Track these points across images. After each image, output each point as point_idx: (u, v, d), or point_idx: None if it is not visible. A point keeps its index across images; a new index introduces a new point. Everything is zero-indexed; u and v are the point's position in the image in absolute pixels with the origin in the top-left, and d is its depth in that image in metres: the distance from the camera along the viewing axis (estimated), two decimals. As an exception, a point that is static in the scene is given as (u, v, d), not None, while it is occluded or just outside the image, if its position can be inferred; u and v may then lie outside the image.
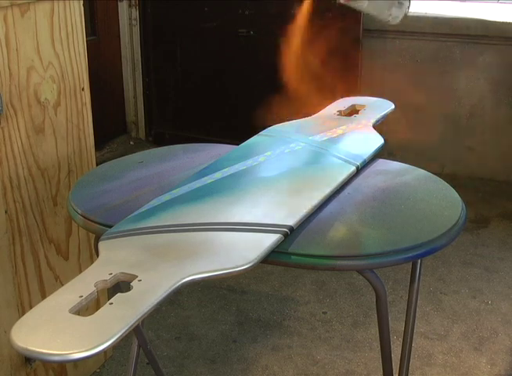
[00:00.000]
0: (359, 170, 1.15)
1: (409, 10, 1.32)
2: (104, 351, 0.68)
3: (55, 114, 1.50)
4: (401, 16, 1.29)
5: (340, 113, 1.42)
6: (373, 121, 1.36)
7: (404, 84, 3.07)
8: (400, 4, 1.30)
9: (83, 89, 1.57)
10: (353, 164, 1.15)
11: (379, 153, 1.24)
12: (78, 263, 1.65)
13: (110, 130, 3.39)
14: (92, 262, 0.84)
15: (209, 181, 1.10)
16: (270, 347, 1.91)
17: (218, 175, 1.12)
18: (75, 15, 1.51)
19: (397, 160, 1.22)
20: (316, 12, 2.91)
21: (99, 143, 2.90)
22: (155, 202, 1.02)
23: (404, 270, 2.19)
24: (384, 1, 1.28)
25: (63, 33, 1.48)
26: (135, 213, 0.98)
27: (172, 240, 0.90)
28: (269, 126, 1.36)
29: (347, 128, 1.33)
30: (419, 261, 1.09)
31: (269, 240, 0.88)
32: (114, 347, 1.80)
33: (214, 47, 3.15)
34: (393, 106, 1.46)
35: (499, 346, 1.91)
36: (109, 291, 0.83)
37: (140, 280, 0.78)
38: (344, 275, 2.26)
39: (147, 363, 1.76)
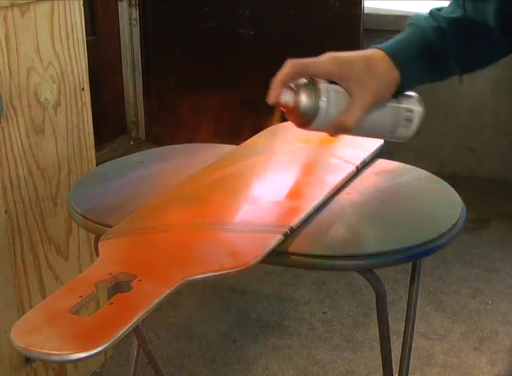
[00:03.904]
0: (359, 170, 1.15)
1: (420, 122, 0.94)
2: (104, 351, 0.68)
3: (55, 114, 1.50)
4: (411, 134, 0.95)
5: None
6: (373, 121, 1.36)
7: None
8: (407, 121, 0.92)
9: (83, 89, 1.57)
10: (353, 164, 1.15)
11: (379, 153, 1.24)
12: (78, 263, 1.65)
13: (110, 130, 3.38)
14: (92, 262, 0.84)
15: (209, 181, 1.10)
16: (270, 347, 1.91)
17: (218, 175, 1.12)
18: (75, 15, 1.51)
19: (397, 161, 1.22)
20: (317, 12, 2.91)
21: (99, 143, 2.90)
22: (155, 202, 1.02)
23: (404, 270, 2.19)
24: (381, 124, 0.91)
25: (63, 33, 1.48)
26: (135, 213, 0.98)
27: (172, 239, 0.90)
28: (269, 126, 1.36)
29: (347, 128, 1.33)
30: (419, 261, 1.09)
31: (269, 240, 0.88)
32: (114, 347, 1.80)
33: (214, 47, 3.15)
34: (393, 106, 1.46)
35: (499, 346, 1.91)
36: (109, 291, 0.82)
37: (140, 280, 0.78)
38: (344, 275, 2.26)
39: (147, 363, 1.76)
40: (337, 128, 0.87)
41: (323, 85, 0.84)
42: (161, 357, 1.85)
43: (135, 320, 0.71)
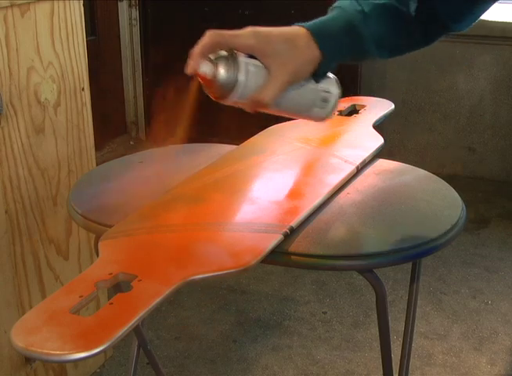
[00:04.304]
0: (359, 170, 1.15)
1: (338, 103, 0.92)
2: (104, 351, 0.68)
3: (55, 114, 1.50)
4: (326, 115, 0.92)
5: (340, 113, 1.42)
6: (373, 121, 1.36)
7: (404, 84, 3.07)
8: (324, 102, 0.90)
9: (83, 89, 1.57)
10: (353, 164, 1.15)
11: (379, 153, 1.24)
12: (78, 263, 1.65)
13: (110, 130, 3.38)
14: (92, 262, 0.84)
15: (209, 181, 1.10)
16: (270, 347, 1.91)
17: (218, 175, 1.12)
18: (75, 15, 1.51)
19: (397, 161, 1.22)
20: (317, 13, 2.91)
21: (99, 143, 2.90)
22: (155, 202, 1.02)
23: (404, 270, 2.19)
24: (298, 102, 0.89)
25: (63, 33, 1.48)
26: (135, 213, 0.98)
27: (172, 239, 0.90)
28: (269, 126, 1.36)
29: (348, 128, 1.33)
30: (419, 261, 1.09)
31: (269, 240, 0.88)
32: (114, 347, 1.80)
33: (214, 47, 3.15)
34: (393, 106, 1.46)
35: (499, 346, 1.91)
36: (109, 291, 0.83)
37: (140, 280, 0.78)
38: (344, 275, 2.26)
39: (147, 363, 1.76)
40: (254, 104, 0.84)
41: (243, 59, 0.82)
42: (161, 357, 1.85)
43: (135, 320, 0.71)
